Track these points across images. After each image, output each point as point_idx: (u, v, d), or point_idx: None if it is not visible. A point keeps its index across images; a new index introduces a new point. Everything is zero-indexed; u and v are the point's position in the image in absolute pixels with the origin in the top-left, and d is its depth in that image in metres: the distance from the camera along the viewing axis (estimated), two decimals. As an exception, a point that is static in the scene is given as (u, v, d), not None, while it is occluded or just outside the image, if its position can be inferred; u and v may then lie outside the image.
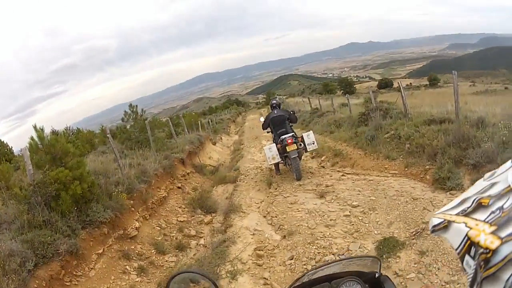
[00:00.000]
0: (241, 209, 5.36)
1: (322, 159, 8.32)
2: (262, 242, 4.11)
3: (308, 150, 6.47)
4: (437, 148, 4.96)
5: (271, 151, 6.30)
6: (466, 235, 0.46)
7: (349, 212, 4.33)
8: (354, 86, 56.09)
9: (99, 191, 4.30)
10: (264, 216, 4.97)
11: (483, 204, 0.49)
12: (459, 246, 0.48)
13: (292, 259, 3.59)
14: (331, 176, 6.31)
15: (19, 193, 3.48)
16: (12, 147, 13.41)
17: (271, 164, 6.79)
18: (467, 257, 0.46)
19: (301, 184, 5.92)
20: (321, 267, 1.03)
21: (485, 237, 0.42)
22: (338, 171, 6.80)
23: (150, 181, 5.92)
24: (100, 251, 3.74)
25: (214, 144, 15.47)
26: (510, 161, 0.52)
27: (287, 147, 6.00)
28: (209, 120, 27.35)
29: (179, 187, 6.96)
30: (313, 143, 6.36)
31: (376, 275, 0.98)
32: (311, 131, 6.57)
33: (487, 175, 0.56)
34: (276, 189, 6.05)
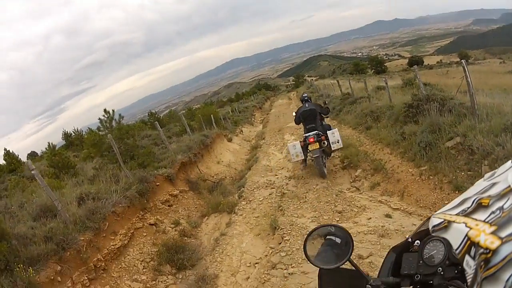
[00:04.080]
0: (216, 284, 3.37)
1: (357, 173, 6.11)
2: None
3: (333, 148, 6.18)
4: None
5: (295, 149, 6.19)
6: (466, 235, 0.47)
7: None
8: (385, 64, 51.75)
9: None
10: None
11: (483, 204, 0.49)
12: (459, 246, 0.48)
13: None
14: (369, 218, 4.11)
15: None
16: (18, 155, 12.80)
17: (295, 161, 6.60)
18: (467, 257, 0.46)
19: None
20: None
21: (485, 237, 0.42)
22: (381, 201, 4.62)
23: (98, 227, 4.12)
24: None
25: (230, 140, 13.53)
26: (510, 161, 0.53)
27: (309, 146, 5.95)
28: (232, 110, 25.42)
29: (152, 224, 5.12)
30: (338, 142, 6.12)
31: None
32: (336, 129, 6.26)
33: (487, 175, 0.58)
34: (280, 243, 3.94)
